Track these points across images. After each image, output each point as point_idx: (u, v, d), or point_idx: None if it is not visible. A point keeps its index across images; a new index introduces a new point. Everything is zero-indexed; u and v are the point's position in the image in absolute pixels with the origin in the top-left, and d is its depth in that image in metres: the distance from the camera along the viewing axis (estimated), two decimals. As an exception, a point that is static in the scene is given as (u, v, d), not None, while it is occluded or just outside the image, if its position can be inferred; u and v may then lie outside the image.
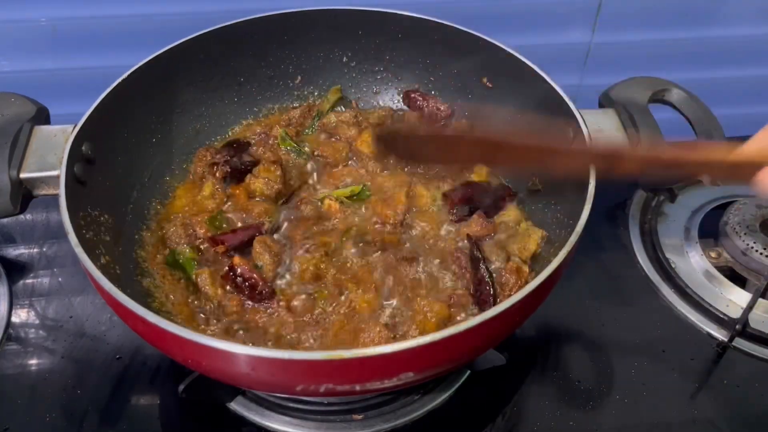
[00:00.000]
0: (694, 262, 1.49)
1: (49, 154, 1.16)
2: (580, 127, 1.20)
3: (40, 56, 1.69)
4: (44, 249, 1.52)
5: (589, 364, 1.32)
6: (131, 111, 1.33)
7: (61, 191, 1.08)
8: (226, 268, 1.18)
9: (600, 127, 1.23)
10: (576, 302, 1.42)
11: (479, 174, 1.42)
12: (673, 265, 1.47)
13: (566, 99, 1.25)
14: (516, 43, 1.39)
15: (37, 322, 1.38)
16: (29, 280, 1.46)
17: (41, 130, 1.20)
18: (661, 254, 1.50)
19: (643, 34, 1.88)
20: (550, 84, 1.29)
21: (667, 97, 1.31)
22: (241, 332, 1.15)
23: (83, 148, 1.18)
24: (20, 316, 1.39)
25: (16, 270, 1.48)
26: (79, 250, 1.00)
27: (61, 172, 1.11)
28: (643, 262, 1.51)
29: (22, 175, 1.13)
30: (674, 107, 1.32)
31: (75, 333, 1.35)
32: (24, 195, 1.16)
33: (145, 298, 1.18)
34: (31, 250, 1.52)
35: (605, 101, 1.30)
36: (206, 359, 0.92)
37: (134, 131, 1.34)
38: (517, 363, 1.28)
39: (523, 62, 1.35)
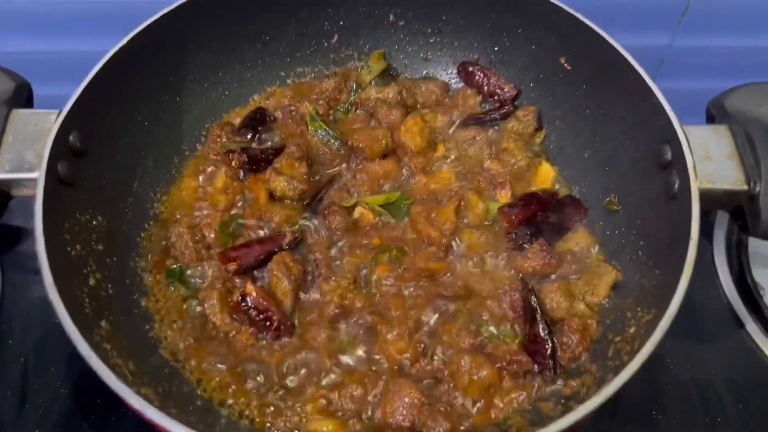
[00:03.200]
0: (789, 291, 1.26)
1: (28, 150, 0.97)
2: (681, 148, 0.95)
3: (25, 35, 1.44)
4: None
5: (649, 407, 1.14)
6: (133, 84, 1.11)
7: (38, 208, 0.89)
8: (238, 297, 1.00)
9: (708, 152, 0.97)
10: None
11: (544, 179, 1.18)
12: (762, 293, 1.24)
13: (667, 108, 0.99)
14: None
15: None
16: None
17: (20, 115, 0.99)
18: (749, 277, 1.26)
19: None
20: (647, 84, 1.03)
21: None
22: (250, 372, 0.98)
23: (71, 138, 0.99)
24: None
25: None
26: (55, 296, 0.82)
27: (39, 176, 0.92)
28: (727, 285, 1.27)
29: (-6, 176, 0.95)
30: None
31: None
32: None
33: (142, 324, 1.02)
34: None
35: (717, 113, 1.03)
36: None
37: (136, 107, 1.13)
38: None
39: (615, 48, 1.08)
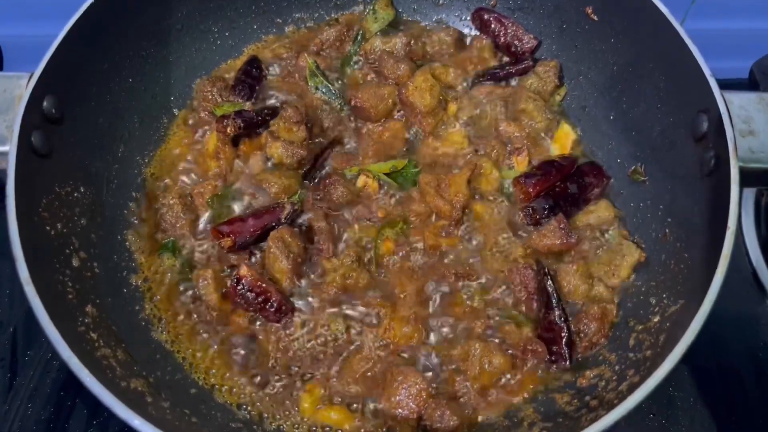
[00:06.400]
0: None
1: (-4, 120, 0.88)
2: (720, 121, 0.85)
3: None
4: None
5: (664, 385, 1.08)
6: (113, 37, 1.02)
7: (10, 187, 0.81)
8: (233, 280, 0.93)
9: (751, 124, 0.87)
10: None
11: (563, 143, 1.09)
12: (791, 261, 1.17)
13: (707, 72, 0.89)
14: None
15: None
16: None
17: (-15, 80, 0.90)
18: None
19: None
20: (684, 43, 0.92)
21: None
22: (246, 357, 0.93)
23: (45, 104, 0.90)
24: None
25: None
26: (30, 289, 0.75)
27: (11, 150, 0.84)
28: (753, 251, 1.19)
29: (-43, 153, 0.86)
30: None
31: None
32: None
33: (132, 304, 0.95)
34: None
35: (762, 77, 0.92)
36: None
37: (118, 64, 1.04)
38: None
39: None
